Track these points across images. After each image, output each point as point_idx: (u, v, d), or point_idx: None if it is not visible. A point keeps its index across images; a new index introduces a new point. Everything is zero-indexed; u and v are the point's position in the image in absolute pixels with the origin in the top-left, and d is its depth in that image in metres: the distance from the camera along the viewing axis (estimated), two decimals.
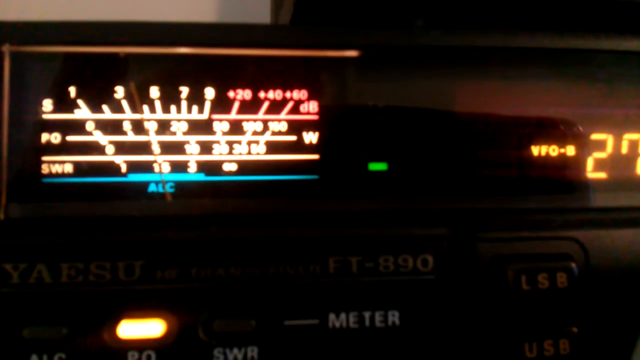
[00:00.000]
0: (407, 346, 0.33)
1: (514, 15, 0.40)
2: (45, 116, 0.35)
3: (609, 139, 0.40)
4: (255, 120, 0.36)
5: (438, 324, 0.33)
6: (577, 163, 0.39)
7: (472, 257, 0.34)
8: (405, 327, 0.33)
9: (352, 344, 0.33)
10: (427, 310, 0.33)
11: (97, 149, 0.35)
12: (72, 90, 0.35)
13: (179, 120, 0.35)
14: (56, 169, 0.35)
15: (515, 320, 0.33)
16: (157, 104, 0.35)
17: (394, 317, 0.33)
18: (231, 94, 0.36)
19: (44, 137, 0.35)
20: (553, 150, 0.38)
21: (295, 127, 0.36)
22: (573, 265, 0.34)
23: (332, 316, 0.33)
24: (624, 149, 0.40)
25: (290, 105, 0.36)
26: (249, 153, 0.36)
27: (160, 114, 0.35)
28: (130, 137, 0.35)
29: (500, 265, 0.34)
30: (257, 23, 0.40)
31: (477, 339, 0.34)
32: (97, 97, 0.35)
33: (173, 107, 0.35)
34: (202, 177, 0.35)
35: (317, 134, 0.37)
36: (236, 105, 0.36)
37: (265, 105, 0.36)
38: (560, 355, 0.33)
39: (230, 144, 0.36)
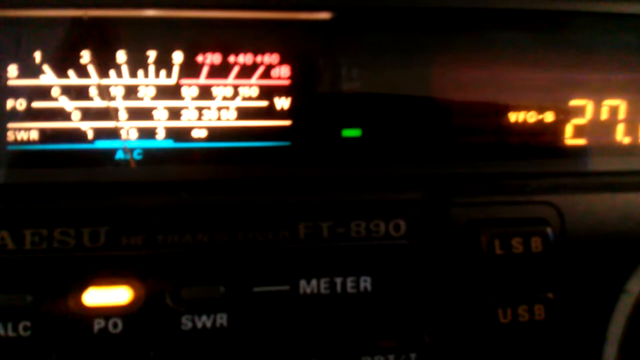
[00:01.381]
0: (379, 312, 0.33)
1: None
2: (10, 82, 0.34)
3: (588, 104, 0.39)
4: (225, 85, 0.35)
5: (410, 289, 0.33)
6: (555, 129, 0.38)
7: (445, 221, 0.33)
8: (377, 293, 0.33)
9: (324, 310, 0.32)
10: (399, 275, 0.33)
11: (63, 115, 0.34)
12: (38, 56, 0.34)
13: (146, 86, 0.34)
14: (21, 135, 0.34)
15: (489, 286, 0.33)
16: (124, 69, 0.34)
17: (365, 282, 0.33)
18: (200, 58, 0.35)
19: (9, 103, 0.34)
20: (530, 117, 0.38)
21: (267, 93, 0.36)
22: (548, 229, 0.33)
23: (302, 282, 0.32)
24: (604, 115, 0.39)
25: (261, 69, 0.36)
26: (219, 119, 0.35)
27: (127, 79, 0.34)
28: (97, 102, 0.34)
29: (473, 230, 0.33)
30: None
31: (450, 304, 0.33)
32: (63, 62, 0.34)
33: (140, 72, 0.34)
34: (170, 143, 0.35)
35: (289, 99, 0.36)
36: (205, 69, 0.35)
37: (236, 69, 0.35)
38: (535, 321, 0.33)
39: (200, 109, 0.35)
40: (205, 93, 0.35)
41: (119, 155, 0.35)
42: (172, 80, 0.35)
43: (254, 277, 0.32)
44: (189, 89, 0.35)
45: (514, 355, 0.33)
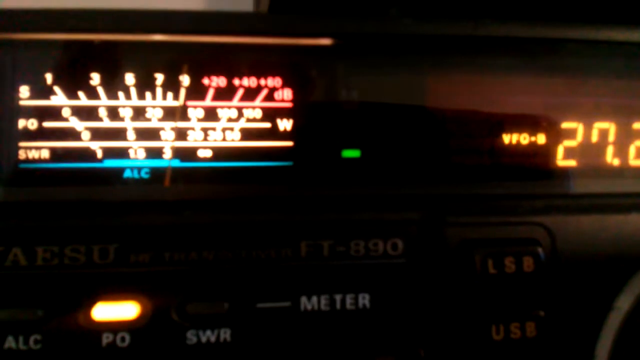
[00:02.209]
0: (377, 328, 0.34)
1: (486, 5, 0.41)
2: (22, 102, 0.35)
3: (579, 127, 0.41)
4: (229, 107, 0.36)
5: (407, 306, 0.34)
6: (547, 151, 0.39)
7: (440, 241, 0.35)
8: (375, 310, 0.34)
9: (324, 326, 0.34)
10: (396, 293, 0.34)
11: (73, 135, 0.35)
12: (49, 77, 0.35)
13: (154, 107, 0.36)
14: (33, 154, 0.35)
15: (482, 303, 0.34)
16: (132, 91, 0.35)
17: (364, 299, 0.34)
18: (206, 81, 0.36)
19: (21, 123, 0.35)
20: (524, 139, 0.39)
21: (270, 115, 0.37)
22: (539, 249, 0.35)
23: (303, 299, 0.34)
24: (594, 138, 0.41)
25: (264, 92, 0.37)
26: (224, 140, 0.36)
27: (135, 101, 0.36)
28: (106, 123, 0.35)
29: (468, 250, 0.34)
30: (239, 11, 0.40)
31: (445, 321, 0.34)
32: (73, 84, 0.35)
33: (148, 94, 0.36)
34: (177, 163, 0.36)
35: (291, 121, 0.37)
36: (211, 92, 0.36)
37: (240, 92, 0.37)
38: (527, 337, 0.34)
39: (205, 130, 0.36)
40: (210, 115, 0.36)
41: (127, 173, 0.36)
42: (179, 102, 0.36)
43: (257, 293, 0.33)
44: (195, 111, 0.36)
45: None
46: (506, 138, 0.39)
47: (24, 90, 0.35)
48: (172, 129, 0.36)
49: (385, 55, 0.38)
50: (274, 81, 0.37)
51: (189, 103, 0.36)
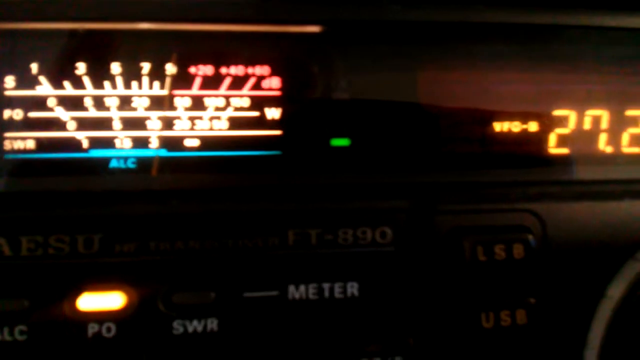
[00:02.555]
0: (366, 317, 0.34)
1: None
2: (7, 93, 0.35)
3: (571, 115, 0.40)
4: (217, 96, 0.36)
5: (396, 295, 0.34)
6: (539, 139, 0.39)
7: (430, 229, 0.34)
8: (364, 299, 0.34)
9: (312, 315, 0.33)
10: (385, 281, 0.34)
11: (59, 125, 0.35)
12: (34, 67, 0.35)
13: (140, 96, 0.35)
14: (18, 144, 0.35)
15: (472, 291, 0.34)
16: (119, 80, 0.35)
17: (352, 288, 0.34)
18: (192, 69, 0.36)
19: (6, 113, 0.35)
20: (515, 127, 0.39)
21: (258, 103, 0.37)
22: (530, 236, 0.34)
23: (291, 288, 0.33)
24: (587, 125, 0.40)
25: (252, 81, 0.36)
26: (211, 129, 0.36)
27: (121, 90, 0.35)
28: (92, 113, 0.35)
29: (457, 237, 0.34)
30: None
31: (434, 309, 0.34)
32: (59, 73, 0.35)
33: (134, 83, 0.35)
34: (164, 152, 0.36)
35: (279, 110, 0.37)
36: (198, 81, 0.36)
37: (227, 81, 0.36)
38: (517, 325, 0.34)
39: (192, 119, 0.36)
40: (197, 103, 0.36)
41: (113, 163, 0.35)
42: (165, 91, 0.36)
43: (244, 282, 0.33)
44: (182, 100, 0.36)
45: (497, 359, 0.34)
46: (497, 126, 0.39)
47: (9, 80, 0.35)
48: (159, 118, 0.35)
49: (375, 43, 0.38)
50: (262, 69, 0.37)
51: (176, 92, 0.36)
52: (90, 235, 0.32)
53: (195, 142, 0.36)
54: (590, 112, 0.41)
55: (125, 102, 0.35)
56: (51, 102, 0.35)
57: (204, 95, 0.36)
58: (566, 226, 0.36)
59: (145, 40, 0.36)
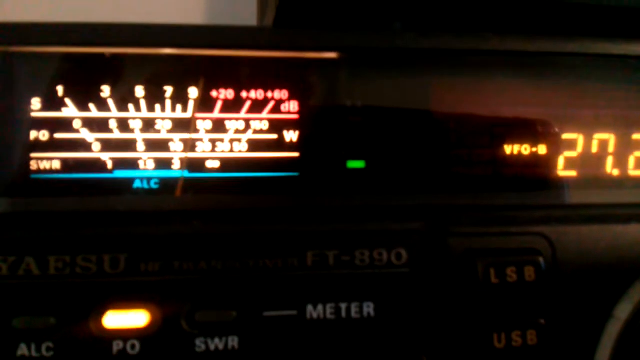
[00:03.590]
0: (381, 336, 0.35)
1: (488, 19, 0.41)
2: (33, 114, 0.36)
3: (579, 138, 0.41)
4: (237, 119, 0.37)
5: (411, 315, 0.35)
6: (548, 162, 0.40)
7: (444, 251, 0.35)
8: (379, 318, 0.35)
9: (329, 334, 0.34)
10: (400, 301, 0.35)
11: (84, 146, 0.36)
12: (60, 90, 0.36)
13: (163, 119, 0.36)
14: (44, 165, 0.36)
15: (484, 312, 0.35)
16: (142, 103, 0.36)
17: (369, 308, 0.35)
18: (214, 93, 0.37)
19: (33, 134, 0.36)
20: (525, 149, 0.40)
21: (276, 126, 0.38)
22: (540, 259, 0.36)
23: (309, 307, 0.34)
24: (594, 149, 0.42)
25: (271, 104, 0.38)
26: (232, 151, 0.37)
27: (145, 113, 0.36)
28: (116, 134, 0.36)
29: (470, 259, 0.35)
30: (243, 25, 0.41)
31: (448, 329, 0.35)
32: (84, 96, 0.36)
33: (158, 106, 0.36)
34: (186, 173, 0.37)
35: (297, 132, 0.38)
36: (219, 104, 0.37)
37: (247, 104, 0.37)
38: (528, 345, 0.35)
39: (213, 142, 0.37)
40: (218, 126, 0.37)
41: (137, 184, 0.37)
42: (188, 114, 0.37)
43: (264, 302, 0.34)
44: (204, 122, 0.37)
45: None
46: (507, 149, 0.40)
47: (36, 102, 0.36)
48: (181, 140, 0.37)
49: (389, 68, 0.39)
50: (280, 93, 0.38)
51: (198, 115, 0.37)
52: (116, 255, 0.33)
53: (216, 164, 0.37)
54: (598, 136, 0.42)
55: (148, 125, 0.36)
56: (76, 124, 0.36)
57: (225, 118, 0.37)
58: (575, 249, 0.37)
59: (169, 65, 0.37)
